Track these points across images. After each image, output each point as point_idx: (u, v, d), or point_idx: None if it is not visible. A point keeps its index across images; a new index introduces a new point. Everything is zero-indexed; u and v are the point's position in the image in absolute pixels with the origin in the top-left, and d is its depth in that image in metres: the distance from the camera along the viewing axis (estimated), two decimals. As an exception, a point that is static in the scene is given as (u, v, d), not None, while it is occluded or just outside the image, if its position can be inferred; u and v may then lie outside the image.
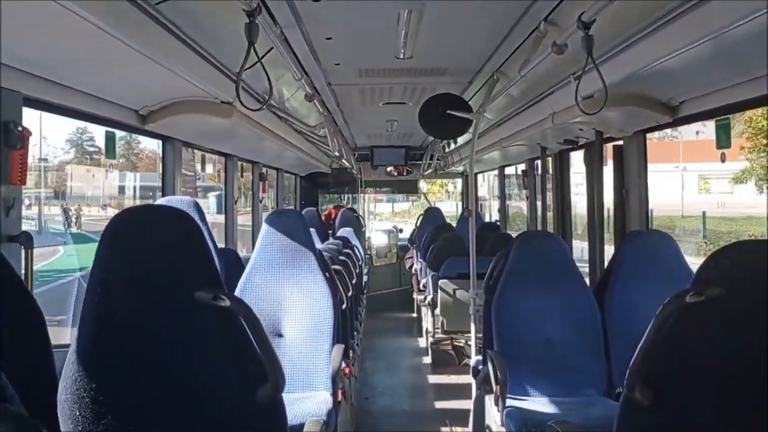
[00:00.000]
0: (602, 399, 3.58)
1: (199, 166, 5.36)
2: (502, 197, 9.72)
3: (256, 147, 5.80)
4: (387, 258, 12.33)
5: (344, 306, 4.51)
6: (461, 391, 5.56)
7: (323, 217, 11.00)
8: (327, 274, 3.69)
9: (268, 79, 2.94)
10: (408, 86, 5.44)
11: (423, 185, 13.87)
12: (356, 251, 7.72)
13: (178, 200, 3.54)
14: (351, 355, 4.72)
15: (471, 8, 3.30)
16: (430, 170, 10.97)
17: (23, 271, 2.56)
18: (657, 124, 3.87)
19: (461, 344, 7.11)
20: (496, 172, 9.48)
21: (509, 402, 3.46)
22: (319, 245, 5.37)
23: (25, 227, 2.60)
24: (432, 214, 10.95)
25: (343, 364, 3.60)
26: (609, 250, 4.70)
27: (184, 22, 2.86)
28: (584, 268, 4.83)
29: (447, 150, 9.63)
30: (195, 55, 3.14)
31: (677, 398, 1.76)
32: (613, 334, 3.67)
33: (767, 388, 1.70)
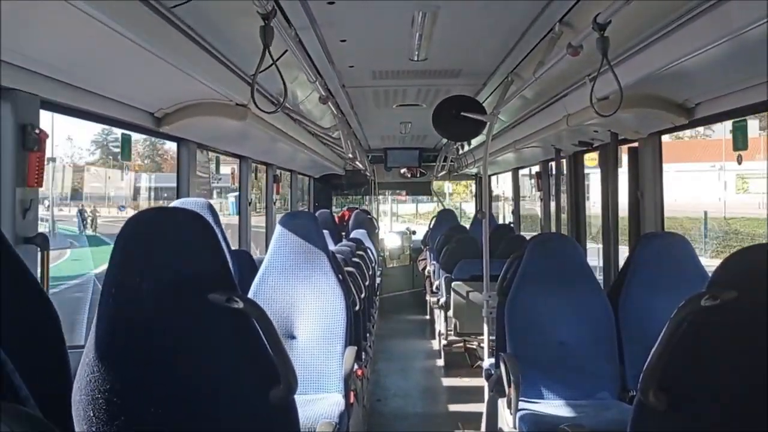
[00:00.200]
0: (616, 402, 3.55)
1: (213, 168, 5.38)
2: (516, 199, 9.69)
3: (269, 149, 5.83)
4: (400, 260, 12.33)
5: (357, 308, 4.51)
6: (474, 394, 5.55)
7: (337, 219, 11.03)
8: (340, 276, 3.69)
9: (283, 81, 2.95)
10: (422, 88, 5.44)
11: (448, 186, 13.83)
12: (369, 253, 7.72)
13: (192, 202, 3.57)
14: (363, 357, 4.72)
15: (485, 10, 3.29)
16: (443, 172, 10.95)
17: (39, 273, 2.58)
18: (672, 125, 3.84)
19: (474, 346, 7.08)
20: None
21: (522, 405, 3.44)
22: (332, 247, 5.38)
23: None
24: (445, 216, 10.93)
25: (356, 366, 3.60)
26: (624, 252, 4.67)
27: (200, 25, 2.88)
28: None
29: (460, 152, 9.62)
30: (210, 58, 3.16)
31: (691, 403, 1.75)
32: (627, 336, 3.64)
33: None
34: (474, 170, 10.72)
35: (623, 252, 4.69)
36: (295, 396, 1.86)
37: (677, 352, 1.74)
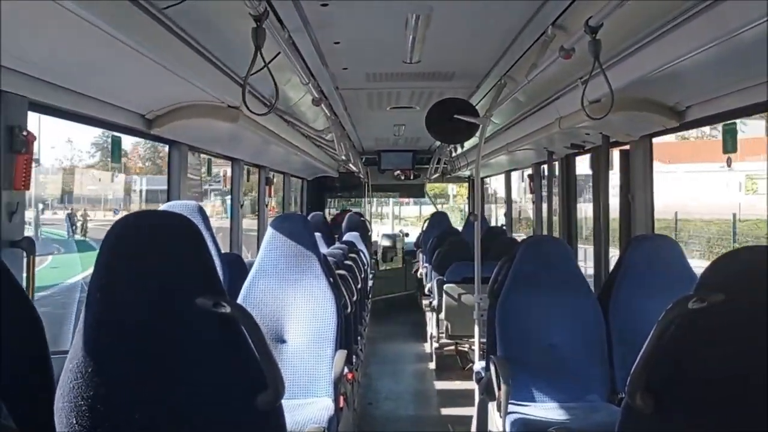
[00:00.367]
0: (605, 405, 3.55)
1: (205, 170, 5.36)
2: (508, 201, 9.70)
3: (262, 151, 5.81)
4: (393, 262, 12.33)
5: (348, 311, 4.50)
6: (465, 397, 5.55)
7: (330, 221, 11.02)
8: (331, 279, 3.68)
9: (275, 83, 2.94)
10: (415, 90, 5.44)
11: (452, 188, 13.83)
12: (362, 256, 7.71)
13: (182, 205, 3.54)
14: (354, 360, 4.71)
15: (478, 13, 3.30)
16: (437, 174, 10.96)
17: (25, 277, 2.56)
18: (664, 128, 3.86)
19: (465, 349, 7.08)
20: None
21: (512, 408, 3.44)
22: (324, 250, 5.37)
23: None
24: (438, 219, 10.94)
25: (346, 370, 3.59)
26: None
27: (192, 26, 2.87)
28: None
29: (454, 154, 9.63)
30: (202, 60, 3.15)
31: (678, 405, 1.75)
32: (617, 339, 3.65)
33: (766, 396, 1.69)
34: (467, 172, 10.74)
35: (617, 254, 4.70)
36: (284, 401, 1.84)
37: (664, 355, 1.74)
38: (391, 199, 14.38)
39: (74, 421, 1.60)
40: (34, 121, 2.69)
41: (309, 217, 8.79)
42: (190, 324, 1.71)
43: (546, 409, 3.54)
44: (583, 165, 5.87)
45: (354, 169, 9.90)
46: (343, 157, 7.63)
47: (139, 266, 1.68)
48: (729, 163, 4.31)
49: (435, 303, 7.29)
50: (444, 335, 6.98)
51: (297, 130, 5.75)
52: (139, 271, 1.67)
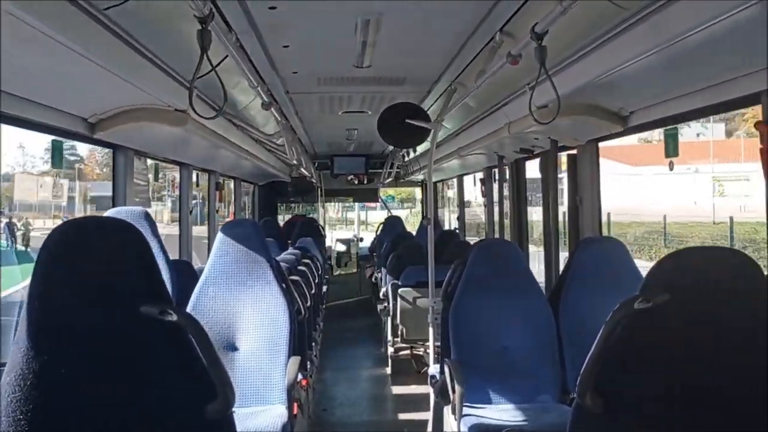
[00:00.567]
0: (557, 405, 3.61)
1: (152, 176, 5.25)
2: (461, 205, 9.79)
3: (211, 156, 5.72)
4: (347, 267, 12.29)
5: (302, 316, 4.46)
6: (420, 400, 5.56)
7: (283, 226, 10.92)
8: (284, 285, 3.64)
9: (223, 86, 2.89)
10: (367, 95, 5.44)
11: (418, 191, 13.83)
12: (315, 261, 7.67)
13: (128, 211, 3.45)
14: (309, 366, 4.67)
15: (428, 18, 3.31)
16: (390, 179, 10.99)
17: None
18: (609, 133, 3.95)
19: (421, 353, 7.10)
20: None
21: (466, 410, 3.47)
22: (277, 255, 5.32)
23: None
24: (392, 223, 10.97)
25: (300, 376, 3.55)
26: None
27: (135, 27, 2.80)
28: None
29: (407, 159, 9.67)
30: (146, 62, 3.08)
31: (627, 405, 1.78)
32: (567, 340, 3.72)
33: (714, 394, 1.73)
34: (420, 177, 10.79)
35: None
36: (237, 409, 1.81)
37: (612, 355, 1.77)
38: (356, 204, 14.29)
39: None
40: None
41: (261, 223, 8.72)
42: (135, 333, 1.66)
43: (500, 411, 3.58)
44: (534, 169, 5.96)
45: (306, 173, 9.85)
46: (295, 162, 7.57)
47: (80, 273, 1.62)
48: (671, 167, 4.42)
49: (390, 307, 7.29)
50: (399, 339, 6.98)
51: (247, 134, 5.68)
52: (79, 279, 1.62)
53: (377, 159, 10.71)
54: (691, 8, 2.21)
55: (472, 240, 8.54)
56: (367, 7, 3.11)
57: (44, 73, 2.68)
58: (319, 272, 7.84)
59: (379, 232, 11.28)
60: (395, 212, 14.19)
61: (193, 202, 6.72)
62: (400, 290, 6.90)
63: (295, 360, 3.46)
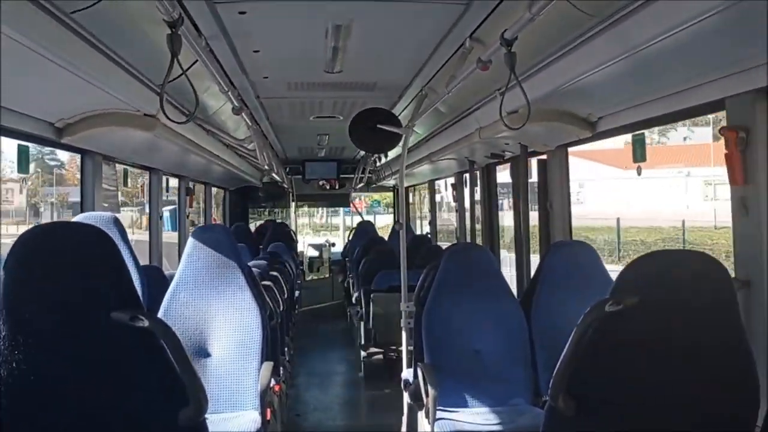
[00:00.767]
0: (530, 408, 3.64)
1: (121, 181, 5.17)
2: (433, 210, 9.83)
3: (181, 161, 5.67)
4: (320, 272, 12.26)
5: (274, 322, 4.44)
6: (393, 404, 5.55)
7: (254, 232, 10.85)
8: (255, 290, 3.62)
9: (194, 91, 2.87)
10: (338, 100, 5.44)
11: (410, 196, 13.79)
12: (288, 266, 7.63)
13: (97, 216, 3.41)
14: (282, 371, 4.64)
15: (398, 24, 3.33)
16: (362, 184, 10.99)
17: None
18: (578, 138, 4.00)
19: (393, 357, 7.11)
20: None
21: (440, 414, 3.48)
22: (248, 261, 5.28)
23: None
24: (364, 228, 10.96)
25: (273, 382, 3.53)
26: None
27: (103, 31, 2.76)
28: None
29: (378, 164, 9.69)
30: (115, 66, 3.04)
31: (598, 406, 1.81)
32: (539, 343, 3.75)
33: (685, 395, 1.77)
34: (392, 182, 10.82)
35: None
36: (209, 415, 1.80)
37: (584, 358, 1.80)
38: (341, 209, 14.23)
39: None
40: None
41: (232, 228, 8.65)
42: (105, 340, 1.64)
43: (473, 414, 3.59)
44: (507, 174, 6.01)
45: (278, 178, 9.80)
46: (266, 167, 7.54)
47: (49, 280, 1.60)
48: (639, 171, 4.51)
49: (362, 312, 7.29)
50: (372, 343, 6.98)
51: (218, 139, 5.64)
52: (49, 286, 1.59)
53: (349, 164, 10.71)
54: (657, 16, 2.26)
55: (444, 245, 8.59)
56: (338, 12, 3.11)
57: (9, 77, 2.63)
58: (292, 277, 7.81)
59: (351, 237, 11.27)
60: (381, 217, 14.18)
61: (172, 207, 6.64)
62: (372, 295, 6.90)
63: (268, 365, 3.45)
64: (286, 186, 10.82)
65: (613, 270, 2.73)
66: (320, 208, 14.20)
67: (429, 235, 9.72)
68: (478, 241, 6.58)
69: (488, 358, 3.78)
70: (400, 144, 5.21)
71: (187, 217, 6.70)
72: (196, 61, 3.11)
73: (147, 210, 5.51)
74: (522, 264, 5.16)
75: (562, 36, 2.90)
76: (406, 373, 4.44)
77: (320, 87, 4.85)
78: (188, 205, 6.67)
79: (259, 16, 3.10)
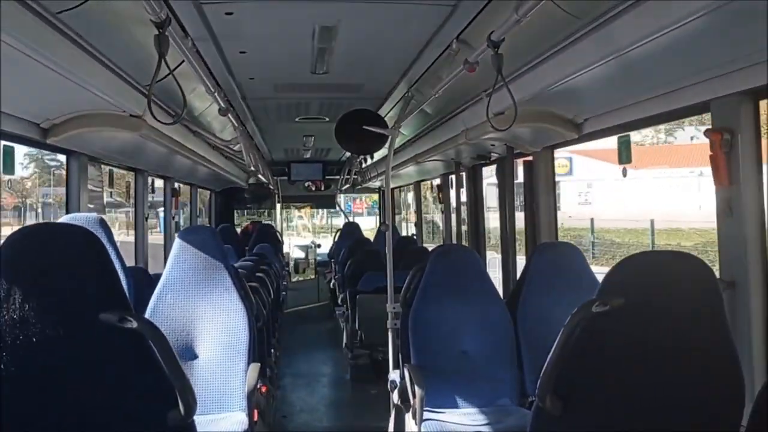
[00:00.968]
0: (516, 408, 3.66)
1: (107, 182, 5.13)
2: (419, 211, 9.85)
3: (167, 162, 5.64)
4: (306, 274, 12.23)
5: (261, 323, 4.43)
6: (380, 406, 5.56)
7: (240, 233, 10.81)
8: (242, 292, 3.61)
9: (182, 92, 2.86)
10: (324, 102, 5.44)
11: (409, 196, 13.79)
12: (274, 267, 7.61)
13: (83, 217, 3.38)
14: (268, 373, 4.63)
15: (385, 26, 3.33)
16: (347, 185, 10.99)
17: None
18: (564, 140, 4.03)
19: (380, 358, 7.11)
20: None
21: (427, 415, 3.48)
22: (235, 262, 5.26)
23: None
24: (350, 229, 10.96)
25: (260, 383, 3.52)
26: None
27: (89, 32, 2.74)
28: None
29: (364, 165, 9.69)
30: (101, 67, 3.02)
31: (586, 406, 1.83)
32: (526, 343, 3.77)
33: (671, 394, 1.79)
34: (378, 183, 10.82)
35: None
36: (196, 416, 1.79)
37: (571, 358, 1.81)
38: (342, 210, 14.21)
39: None
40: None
41: (218, 229, 8.61)
42: (94, 340, 1.63)
43: (460, 415, 3.60)
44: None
45: (264, 180, 9.77)
46: (252, 168, 7.51)
47: (37, 282, 1.59)
48: (625, 173, 4.55)
49: (348, 313, 7.28)
50: (358, 345, 6.98)
51: (204, 140, 5.62)
52: (36, 287, 1.58)
53: (334, 165, 10.71)
54: (643, 18, 2.29)
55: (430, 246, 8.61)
56: (325, 14, 3.11)
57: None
58: (278, 279, 7.79)
59: (336, 239, 11.26)
60: (375, 218, 14.17)
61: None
62: (358, 296, 6.90)
63: (255, 367, 3.44)
64: (271, 187, 10.79)
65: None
66: (320, 209, 14.13)
67: (415, 237, 9.75)
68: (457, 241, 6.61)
69: (475, 359, 3.79)
70: (386, 145, 5.22)
71: (174, 218, 6.66)
72: (183, 61, 3.09)
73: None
74: (508, 264, 5.19)
75: (549, 38, 2.92)
76: (393, 374, 4.44)
77: (306, 88, 4.85)
78: (174, 206, 6.63)
79: (246, 17, 3.09)
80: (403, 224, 12.26)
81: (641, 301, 1.78)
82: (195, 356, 3.41)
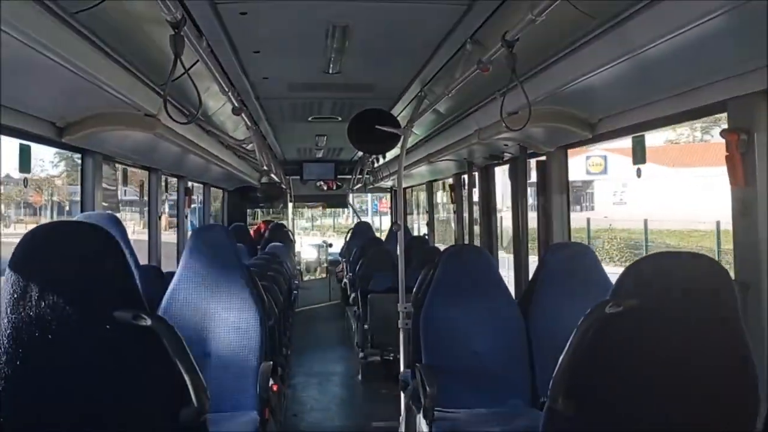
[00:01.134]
0: (528, 409, 3.64)
1: (120, 179, 5.17)
2: (431, 211, 9.84)
3: (181, 161, 5.67)
4: (317, 273, 12.26)
5: (272, 322, 4.44)
6: (391, 405, 5.56)
7: (253, 232, 10.85)
8: (254, 291, 3.62)
9: (197, 92, 2.87)
10: (337, 101, 5.45)
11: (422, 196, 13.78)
12: (286, 266, 7.64)
13: (98, 216, 3.41)
14: (280, 371, 4.64)
15: (398, 26, 3.34)
16: (359, 185, 11.01)
17: None
18: (578, 140, 4.01)
19: (391, 358, 7.11)
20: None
21: (438, 415, 3.48)
22: (247, 261, 5.28)
23: None
24: (362, 229, 10.97)
25: (272, 382, 3.53)
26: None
27: (106, 32, 2.77)
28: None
29: (376, 165, 9.70)
30: (117, 67, 3.05)
31: (599, 408, 1.82)
32: (538, 344, 3.75)
33: (685, 395, 1.78)
34: (390, 183, 10.83)
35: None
36: (208, 414, 1.80)
37: (584, 360, 1.80)
38: (370, 209, 14.27)
39: None
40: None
41: (231, 228, 8.66)
42: (109, 337, 1.64)
43: (471, 416, 3.59)
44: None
45: (276, 179, 9.81)
46: (265, 168, 7.54)
47: (52, 279, 1.60)
48: (639, 174, 4.54)
49: (360, 312, 7.29)
50: (370, 344, 6.98)
51: (217, 139, 5.64)
52: (52, 284, 1.60)
53: (346, 165, 10.73)
54: (659, 18, 2.27)
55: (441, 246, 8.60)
56: (338, 14, 3.12)
57: (12, 76, 2.63)
58: (289, 278, 7.81)
59: (348, 239, 11.28)
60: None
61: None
62: (370, 296, 6.91)
63: (267, 365, 3.45)
64: (284, 186, 10.83)
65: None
66: (344, 209, 14.17)
67: (426, 236, 9.74)
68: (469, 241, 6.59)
69: (486, 359, 3.78)
70: (399, 145, 5.22)
71: (186, 217, 6.70)
72: (197, 61, 3.11)
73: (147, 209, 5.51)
74: (520, 265, 5.17)
75: (564, 37, 2.91)
76: (404, 374, 4.44)
77: (319, 88, 4.86)
78: (186, 205, 6.67)
79: (260, 17, 3.10)
80: (414, 225, 12.26)
81: (655, 303, 1.77)
82: (207, 354, 3.43)
